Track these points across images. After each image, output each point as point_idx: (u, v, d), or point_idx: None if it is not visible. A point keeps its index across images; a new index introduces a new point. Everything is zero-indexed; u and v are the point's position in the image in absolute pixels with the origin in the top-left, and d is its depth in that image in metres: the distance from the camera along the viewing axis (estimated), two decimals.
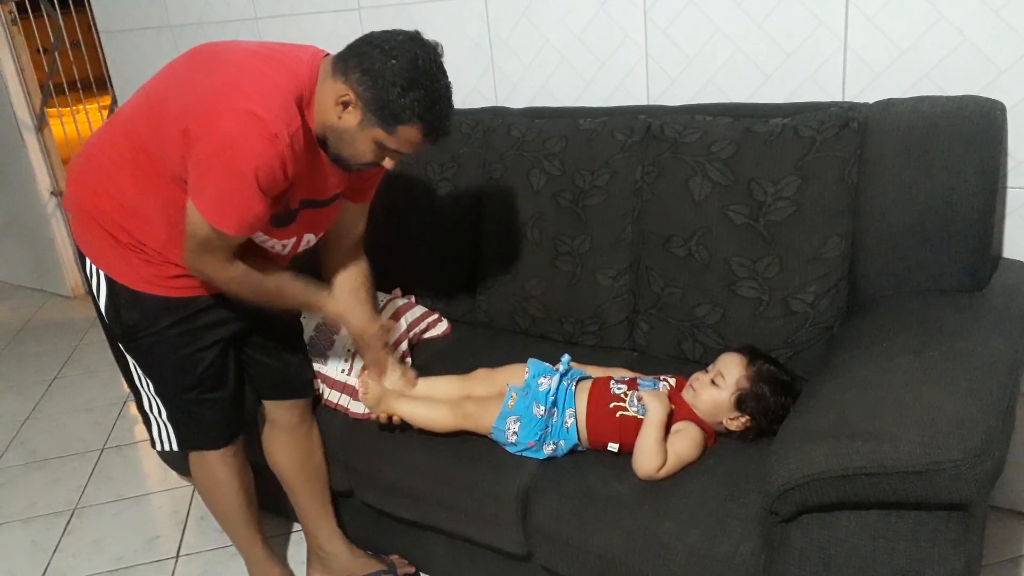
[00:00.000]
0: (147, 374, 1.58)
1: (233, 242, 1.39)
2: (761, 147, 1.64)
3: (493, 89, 2.21)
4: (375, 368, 1.70)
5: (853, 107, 1.61)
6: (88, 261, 1.52)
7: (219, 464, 1.68)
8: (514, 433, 1.54)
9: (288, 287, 1.55)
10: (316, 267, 1.70)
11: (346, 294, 1.69)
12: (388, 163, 1.43)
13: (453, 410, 1.61)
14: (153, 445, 1.67)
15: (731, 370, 1.50)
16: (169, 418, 1.61)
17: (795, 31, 1.75)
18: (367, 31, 1.37)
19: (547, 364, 1.64)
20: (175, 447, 1.64)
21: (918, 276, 1.55)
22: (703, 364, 1.69)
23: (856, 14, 1.67)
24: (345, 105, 1.34)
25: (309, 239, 1.58)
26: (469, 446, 1.60)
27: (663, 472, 1.41)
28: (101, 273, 1.51)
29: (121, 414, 2.83)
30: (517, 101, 2.16)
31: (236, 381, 1.64)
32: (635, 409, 1.50)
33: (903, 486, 1.09)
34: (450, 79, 1.37)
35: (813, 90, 1.77)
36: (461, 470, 1.58)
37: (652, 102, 1.97)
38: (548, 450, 1.53)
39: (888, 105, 1.59)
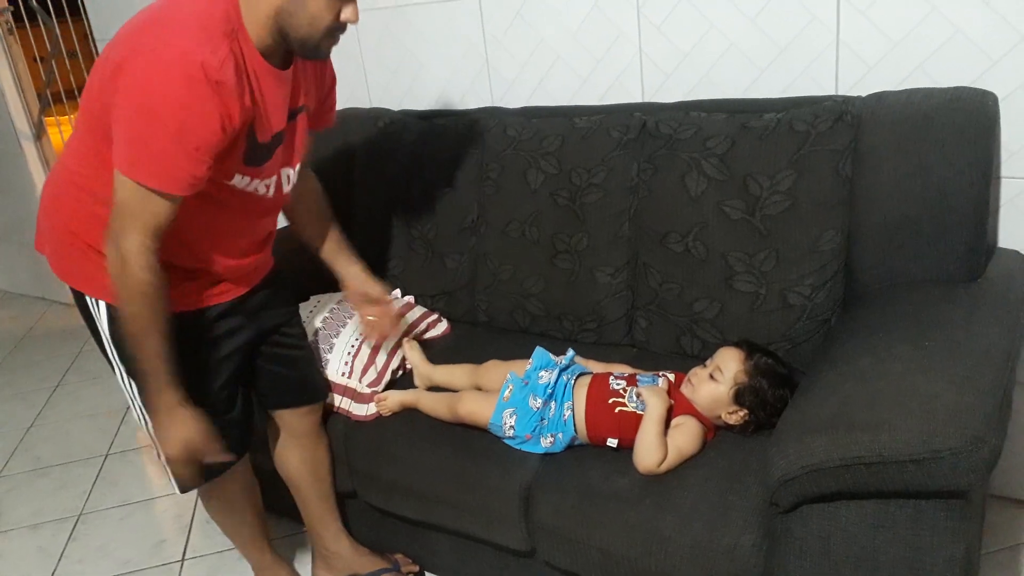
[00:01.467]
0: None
1: (161, 205, 1.24)
2: (756, 142, 1.65)
3: (489, 89, 2.22)
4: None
5: (847, 100, 1.62)
6: (86, 296, 1.44)
7: (228, 483, 1.66)
8: (511, 427, 1.55)
9: (156, 335, 1.33)
10: None
11: (304, 214, 1.68)
12: (348, 13, 1.31)
13: (451, 408, 1.64)
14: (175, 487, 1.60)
15: (729, 364, 1.51)
16: None
17: (788, 25, 1.76)
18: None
19: (551, 356, 1.65)
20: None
21: (915, 267, 1.56)
22: (702, 359, 1.70)
23: (848, 7, 1.68)
24: None
25: (288, 174, 1.49)
26: (471, 443, 1.61)
27: (664, 466, 1.42)
28: (100, 304, 1.43)
29: (124, 420, 2.84)
30: (513, 101, 2.17)
31: (244, 402, 1.61)
32: (634, 405, 1.51)
33: (901, 475, 1.10)
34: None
35: (807, 84, 1.78)
36: (463, 468, 1.59)
37: (647, 99, 1.98)
38: (546, 443, 1.54)
39: (881, 98, 1.59)
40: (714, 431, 1.52)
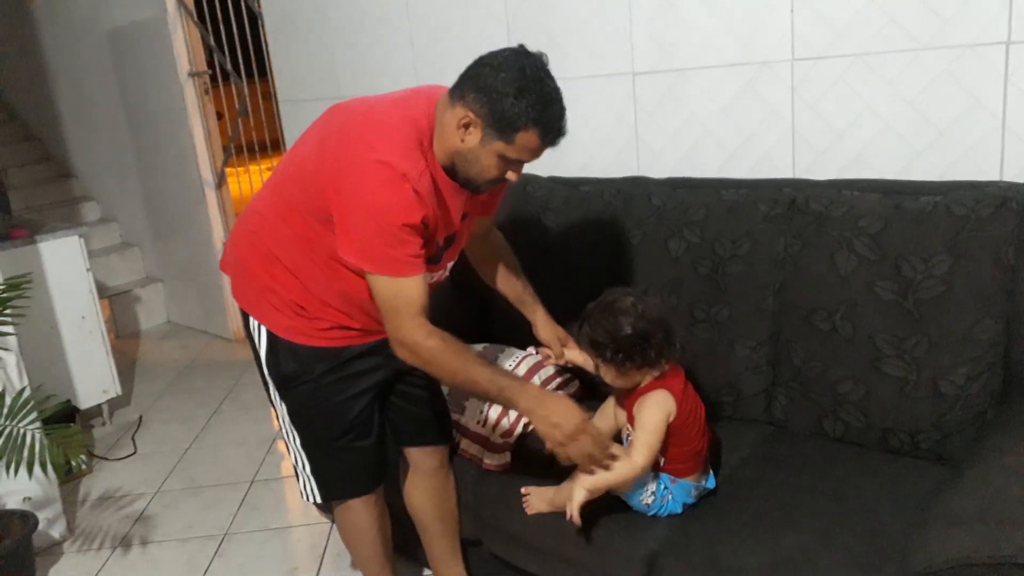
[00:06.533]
0: (296, 425, 1.68)
1: (409, 290, 1.43)
2: (910, 224, 1.62)
3: (636, 159, 2.28)
4: (586, 465, 1.46)
5: (1012, 187, 1.56)
6: (251, 319, 1.64)
7: (361, 510, 1.77)
8: (651, 494, 1.56)
9: (481, 371, 1.47)
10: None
11: (500, 270, 1.87)
12: (512, 176, 1.48)
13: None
14: (301, 496, 1.77)
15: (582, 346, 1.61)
16: (312, 471, 1.71)
17: (948, 109, 1.73)
18: None
19: None
20: (319, 499, 1.74)
21: None
22: (845, 442, 1.68)
23: (1015, 92, 1.64)
24: (466, 127, 1.41)
25: (449, 265, 1.68)
26: (599, 504, 1.61)
27: (651, 455, 1.49)
28: (263, 328, 1.62)
29: (270, 450, 3.03)
30: (659, 171, 2.22)
31: (380, 431, 1.73)
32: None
33: None
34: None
35: (968, 168, 1.73)
36: (589, 528, 1.60)
37: (797, 176, 1.98)
38: (668, 497, 1.56)
39: None
40: (666, 388, 1.54)
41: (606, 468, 1.46)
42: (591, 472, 1.46)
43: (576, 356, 1.83)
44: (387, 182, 1.38)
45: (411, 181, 1.39)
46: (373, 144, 1.41)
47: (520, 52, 1.40)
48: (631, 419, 1.57)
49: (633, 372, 1.54)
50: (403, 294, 1.44)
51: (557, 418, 1.42)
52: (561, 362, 1.87)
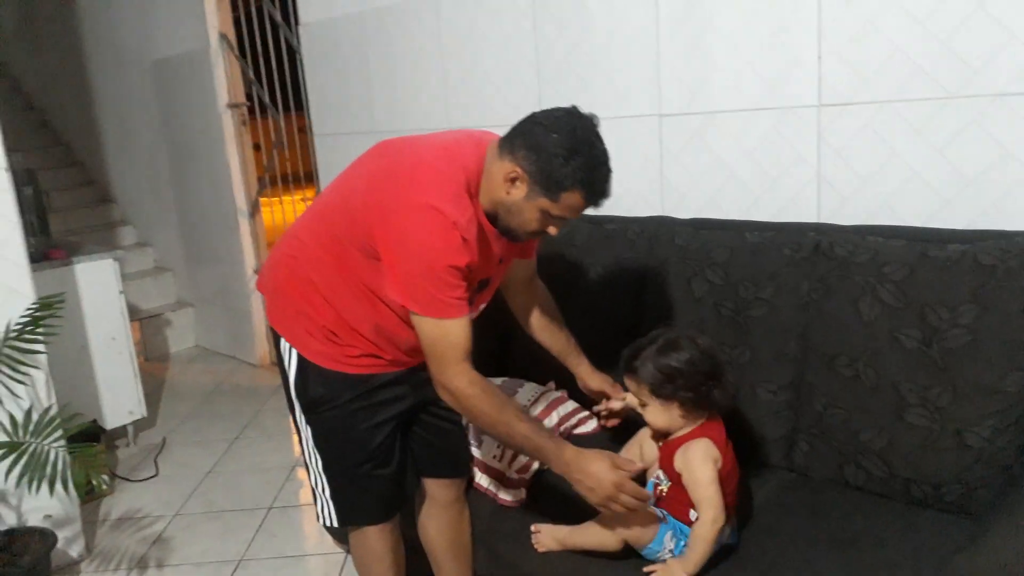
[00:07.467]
0: (319, 448, 1.68)
1: (455, 334, 1.46)
2: (937, 272, 1.60)
3: (661, 199, 2.29)
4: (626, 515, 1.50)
5: None
6: (283, 340, 1.67)
7: (376, 538, 1.76)
8: (669, 551, 1.53)
9: (519, 426, 1.49)
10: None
11: (543, 331, 1.88)
12: (552, 230, 1.51)
13: (615, 537, 1.58)
14: (318, 519, 1.78)
15: (635, 390, 1.58)
16: (332, 495, 1.71)
17: (977, 158, 1.72)
18: None
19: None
20: (335, 523, 1.73)
21: None
22: (867, 491, 1.64)
23: None
24: (513, 181, 1.44)
25: (481, 307, 1.68)
26: (611, 554, 1.60)
27: (717, 507, 1.45)
28: (294, 351, 1.64)
29: (289, 477, 3.04)
30: (684, 212, 2.22)
31: (401, 460, 1.73)
32: (662, 479, 1.58)
33: None
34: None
35: (997, 218, 1.71)
36: (602, 570, 1.58)
37: (822, 220, 1.98)
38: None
39: None
40: (703, 428, 1.54)
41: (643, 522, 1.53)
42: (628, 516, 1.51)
43: (632, 398, 1.76)
44: (437, 227, 1.41)
45: (460, 229, 1.42)
46: (425, 188, 1.43)
47: (573, 113, 1.45)
48: (667, 466, 1.55)
49: (684, 412, 1.53)
50: (448, 338, 1.46)
51: (591, 482, 1.45)
52: (619, 405, 1.80)
